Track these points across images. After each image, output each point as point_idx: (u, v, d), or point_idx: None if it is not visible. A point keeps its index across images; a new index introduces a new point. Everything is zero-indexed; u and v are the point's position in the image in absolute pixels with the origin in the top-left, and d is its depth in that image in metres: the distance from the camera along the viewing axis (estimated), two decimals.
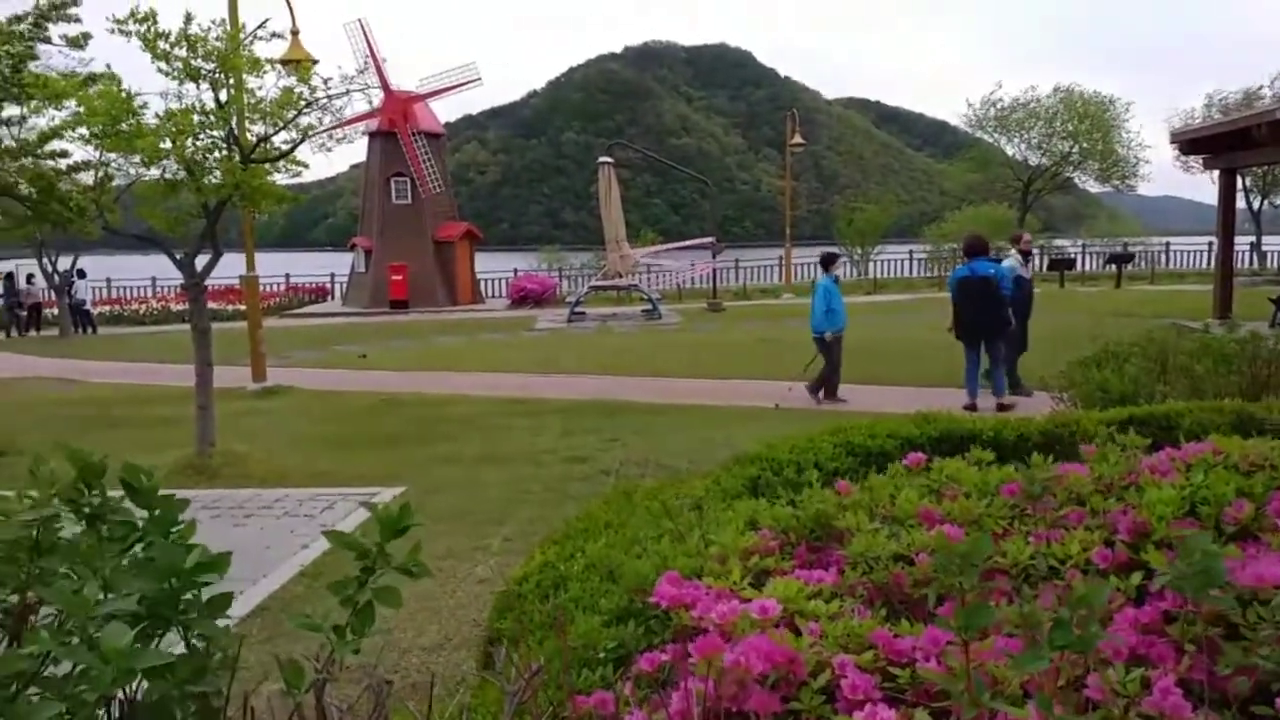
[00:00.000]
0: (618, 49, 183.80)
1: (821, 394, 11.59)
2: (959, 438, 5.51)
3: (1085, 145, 40.28)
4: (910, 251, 37.17)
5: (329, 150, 7.92)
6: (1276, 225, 41.50)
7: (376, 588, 1.63)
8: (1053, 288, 28.31)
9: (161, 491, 1.82)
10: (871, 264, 36.34)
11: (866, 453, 5.20)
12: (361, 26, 28.63)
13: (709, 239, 27.55)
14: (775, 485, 4.63)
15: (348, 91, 7.33)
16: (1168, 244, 36.54)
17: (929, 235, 37.73)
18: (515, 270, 33.74)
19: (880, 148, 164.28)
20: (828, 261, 12.98)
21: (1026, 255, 12.83)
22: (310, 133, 7.53)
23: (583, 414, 10.99)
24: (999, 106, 41.11)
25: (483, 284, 32.86)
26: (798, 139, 30.62)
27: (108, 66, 7.84)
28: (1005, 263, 11.61)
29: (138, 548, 1.65)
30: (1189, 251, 35.02)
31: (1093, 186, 46.81)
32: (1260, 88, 39.54)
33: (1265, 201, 39.35)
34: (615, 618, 2.26)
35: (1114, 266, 30.27)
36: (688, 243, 29.82)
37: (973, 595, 1.30)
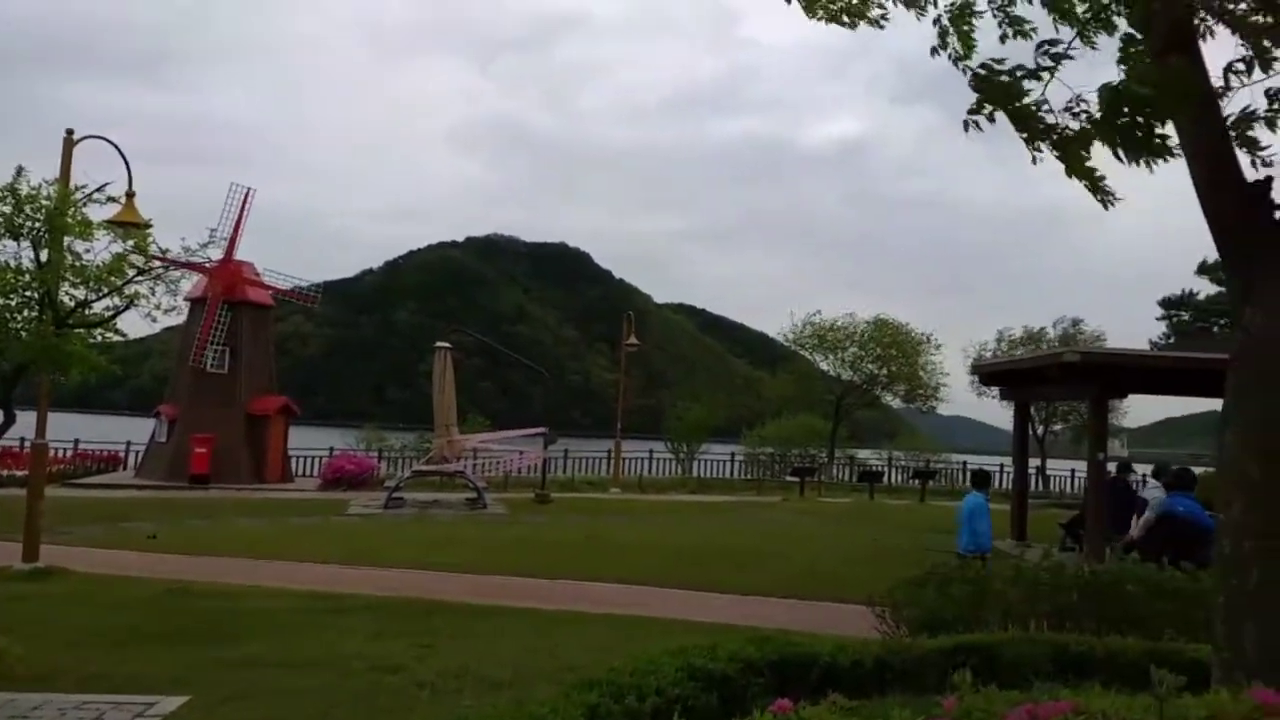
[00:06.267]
0: (460, 239, 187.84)
1: None
2: (799, 662, 5.50)
3: (893, 369, 43.83)
4: (732, 454, 38.31)
5: (154, 320, 7.46)
6: (1055, 450, 45.64)
7: None
8: (864, 499, 29.73)
9: None
10: (696, 462, 37.13)
11: (709, 676, 5.05)
12: (246, 195, 28.17)
13: (541, 429, 27.49)
14: (616, 714, 4.38)
15: (187, 264, 7.00)
16: (965, 463, 39.39)
17: (748, 439, 39.14)
18: (331, 449, 32.25)
19: (704, 352, 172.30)
20: (981, 480, 12.69)
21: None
22: (137, 301, 7.07)
23: (396, 613, 10.29)
24: (817, 326, 44.37)
25: (294, 461, 31.24)
26: (633, 340, 31.66)
27: None
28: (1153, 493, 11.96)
29: None
30: (985, 471, 37.83)
31: (897, 404, 50.46)
32: (1043, 329, 44.72)
33: (1047, 429, 43.50)
34: None
35: (918, 481, 32.19)
36: (519, 432, 29.63)
37: None
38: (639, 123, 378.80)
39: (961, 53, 6.60)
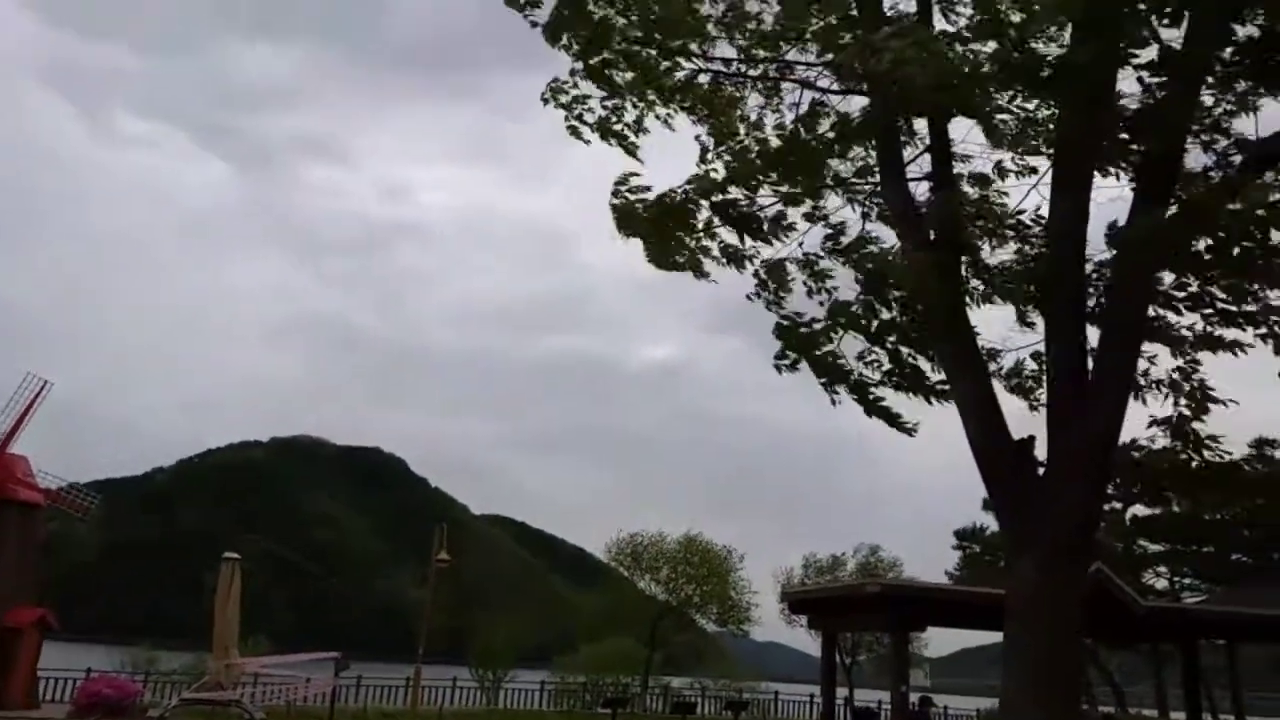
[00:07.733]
0: (264, 438, 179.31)
1: None
2: None
3: (706, 589, 43.83)
4: (542, 682, 36.36)
5: None
6: (860, 680, 46.10)
7: None
8: None
9: None
10: (502, 692, 34.95)
11: None
12: (41, 388, 25.93)
13: (333, 654, 25.40)
14: None
15: None
16: (777, 693, 39.05)
17: (560, 666, 37.51)
18: (89, 670, 28.42)
19: (522, 567, 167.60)
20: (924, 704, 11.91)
21: None
22: None
23: None
24: (634, 543, 44.28)
25: (44, 683, 27.31)
26: (444, 555, 30.35)
27: None
28: None
29: None
30: (795, 701, 37.57)
31: (711, 627, 50.11)
32: (845, 556, 46.32)
33: (854, 658, 44.14)
34: None
35: (731, 712, 31.56)
36: (307, 656, 27.18)
37: None
38: (465, 332, 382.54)
39: (774, 299, 7.35)
